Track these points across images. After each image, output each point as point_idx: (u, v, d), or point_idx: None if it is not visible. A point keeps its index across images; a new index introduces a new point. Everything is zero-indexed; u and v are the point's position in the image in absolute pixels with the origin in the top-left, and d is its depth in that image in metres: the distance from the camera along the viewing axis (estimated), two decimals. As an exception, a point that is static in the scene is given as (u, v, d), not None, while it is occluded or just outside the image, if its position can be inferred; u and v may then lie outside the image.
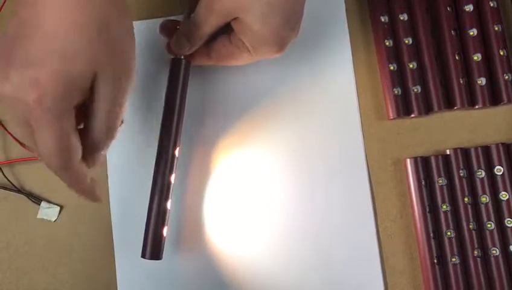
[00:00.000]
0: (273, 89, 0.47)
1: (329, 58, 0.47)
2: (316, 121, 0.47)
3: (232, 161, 0.46)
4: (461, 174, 0.44)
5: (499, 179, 0.44)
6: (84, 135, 0.34)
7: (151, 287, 0.45)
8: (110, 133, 0.34)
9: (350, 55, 0.47)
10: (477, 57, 0.45)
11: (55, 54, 0.30)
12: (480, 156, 0.44)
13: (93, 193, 0.36)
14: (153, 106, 0.46)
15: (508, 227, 0.44)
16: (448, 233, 0.44)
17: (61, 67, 0.30)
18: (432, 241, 0.44)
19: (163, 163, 0.41)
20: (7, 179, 0.47)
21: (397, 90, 0.46)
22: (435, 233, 0.44)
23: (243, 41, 0.39)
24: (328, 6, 0.48)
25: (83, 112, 0.34)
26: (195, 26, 0.39)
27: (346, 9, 0.48)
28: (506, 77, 0.45)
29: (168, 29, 0.43)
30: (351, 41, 0.48)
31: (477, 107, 0.46)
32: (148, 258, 0.41)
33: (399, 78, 0.46)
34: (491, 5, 0.46)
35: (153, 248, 0.41)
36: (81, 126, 0.35)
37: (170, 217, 0.43)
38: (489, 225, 0.44)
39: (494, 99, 0.46)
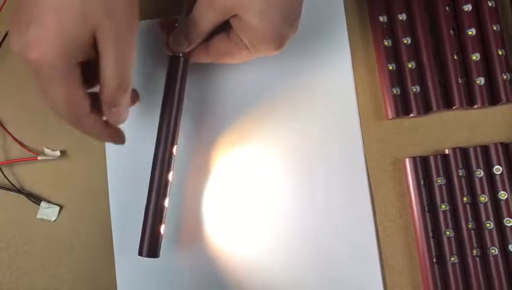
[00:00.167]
0: (271, 89, 0.47)
1: (328, 58, 0.47)
2: (314, 120, 0.47)
3: (231, 160, 0.47)
4: (460, 174, 0.44)
5: (498, 178, 0.44)
6: (100, 91, 0.36)
7: (151, 286, 0.45)
8: (122, 88, 0.35)
9: (349, 55, 0.47)
10: (475, 56, 0.46)
11: (52, 12, 0.31)
12: (479, 156, 0.45)
13: (114, 138, 0.39)
14: (151, 103, 0.46)
15: (507, 226, 0.44)
16: (447, 232, 0.44)
17: (57, 25, 0.31)
18: (431, 241, 0.44)
19: (161, 161, 0.41)
20: (7, 179, 0.47)
21: (396, 90, 0.46)
22: (434, 233, 0.44)
23: (242, 38, 0.39)
24: (327, 6, 0.48)
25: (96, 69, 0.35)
26: (193, 24, 0.39)
27: (345, 9, 0.48)
28: (505, 77, 0.45)
29: (167, 27, 0.43)
30: (349, 41, 0.48)
31: (476, 106, 0.46)
32: (145, 256, 0.41)
33: (398, 77, 0.46)
34: (490, 4, 0.46)
35: (150, 246, 0.41)
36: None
37: (169, 216, 0.43)
38: (488, 225, 0.44)
39: (493, 99, 0.46)
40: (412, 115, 0.46)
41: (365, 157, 0.46)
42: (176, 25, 0.42)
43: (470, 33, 0.46)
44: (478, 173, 0.44)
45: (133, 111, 0.43)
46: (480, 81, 0.45)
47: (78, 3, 0.32)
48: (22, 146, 0.47)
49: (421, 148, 0.46)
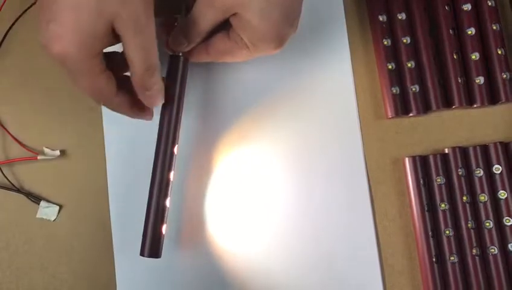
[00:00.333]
0: (271, 88, 0.47)
1: (328, 58, 0.47)
2: (314, 120, 0.47)
3: (231, 159, 0.47)
4: (460, 173, 0.44)
5: (498, 177, 0.44)
6: (131, 77, 0.38)
7: (151, 285, 0.45)
8: (149, 72, 0.37)
9: (348, 55, 0.48)
10: (475, 56, 0.46)
11: (69, 9, 0.33)
12: (479, 155, 0.45)
13: (142, 115, 0.41)
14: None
15: (507, 226, 0.44)
16: (447, 232, 0.44)
17: (75, 22, 0.33)
18: (431, 240, 0.44)
19: (162, 160, 0.41)
20: (7, 178, 0.47)
21: (395, 90, 0.46)
22: (434, 232, 0.44)
23: (242, 37, 0.39)
24: (326, 5, 0.48)
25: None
26: (193, 23, 0.39)
27: (345, 9, 0.48)
28: (504, 76, 0.45)
29: (166, 27, 0.43)
30: (349, 41, 0.48)
31: (475, 106, 0.46)
32: (146, 256, 0.41)
33: (397, 77, 0.46)
34: (489, 4, 0.46)
35: (152, 246, 0.41)
36: None
37: (170, 216, 0.43)
38: (487, 224, 0.44)
39: (492, 98, 0.46)
40: (411, 115, 0.46)
41: (365, 156, 0.46)
42: (176, 24, 0.42)
43: (469, 32, 0.46)
44: (478, 172, 0.44)
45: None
46: (480, 80, 0.45)
47: None
48: (21, 146, 0.47)
49: (420, 147, 0.46)
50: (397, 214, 0.46)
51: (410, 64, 0.46)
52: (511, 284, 0.43)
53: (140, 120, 0.42)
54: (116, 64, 0.38)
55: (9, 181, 0.47)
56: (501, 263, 0.43)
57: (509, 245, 0.43)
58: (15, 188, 0.47)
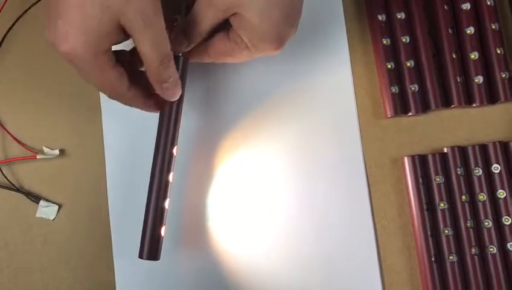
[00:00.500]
0: (270, 88, 0.47)
1: (327, 57, 0.47)
2: (313, 119, 0.47)
3: (231, 160, 0.47)
4: (459, 173, 0.44)
5: (496, 177, 0.44)
6: (146, 72, 0.38)
7: (150, 286, 0.45)
8: (164, 65, 0.37)
9: (348, 54, 0.48)
10: (474, 55, 0.46)
11: (75, 8, 0.34)
12: (478, 154, 0.45)
13: (156, 108, 0.41)
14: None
15: (506, 225, 0.44)
16: (446, 231, 0.44)
17: (81, 20, 0.34)
18: (430, 240, 0.44)
19: (161, 162, 0.41)
20: (6, 178, 0.47)
21: (395, 89, 0.46)
22: (433, 231, 0.44)
23: (242, 37, 0.39)
24: (325, 5, 0.48)
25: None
26: (193, 23, 0.39)
27: (344, 8, 0.48)
28: (503, 75, 0.45)
29: (167, 27, 0.43)
30: (348, 40, 0.48)
31: (474, 105, 0.46)
32: (145, 259, 0.40)
33: (396, 76, 0.46)
34: (488, 3, 0.46)
35: (151, 248, 0.40)
36: None
37: (170, 217, 0.43)
38: (486, 223, 0.44)
39: (491, 97, 0.46)
40: (410, 114, 0.46)
41: (364, 156, 0.46)
42: (176, 24, 0.42)
43: (468, 32, 0.46)
44: (477, 171, 0.44)
45: (133, 111, 0.43)
46: (479, 79, 0.45)
47: None
48: (21, 145, 0.47)
49: (419, 146, 0.46)
50: (396, 213, 0.46)
51: (410, 63, 0.46)
52: (510, 283, 0.43)
53: (140, 120, 0.42)
54: (128, 60, 0.38)
55: (8, 180, 0.47)
56: (500, 262, 0.43)
57: (508, 244, 0.43)
58: (14, 188, 0.47)
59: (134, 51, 0.37)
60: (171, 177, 0.42)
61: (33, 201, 0.47)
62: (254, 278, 0.45)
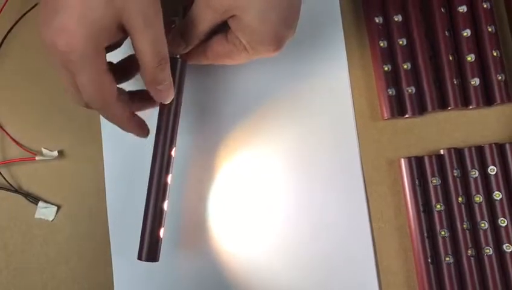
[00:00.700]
0: (267, 90, 0.48)
1: (324, 59, 0.48)
2: (310, 121, 0.47)
3: (229, 162, 0.47)
4: (455, 174, 0.45)
5: (493, 179, 0.44)
6: (141, 74, 0.37)
7: (148, 287, 0.46)
8: (161, 65, 0.36)
9: (345, 56, 0.48)
10: (470, 57, 0.46)
11: (77, 0, 0.33)
12: (474, 156, 0.45)
13: (138, 130, 0.40)
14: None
15: (502, 226, 0.44)
16: (442, 233, 0.44)
17: (82, 12, 0.33)
18: (426, 241, 0.44)
19: (159, 163, 0.41)
20: (5, 179, 0.47)
21: (391, 91, 0.46)
22: (429, 233, 0.44)
23: (240, 39, 0.39)
24: (323, 7, 0.48)
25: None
26: (191, 25, 0.39)
27: (341, 11, 0.48)
28: (500, 78, 0.45)
29: (164, 28, 0.43)
30: (345, 43, 0.48)
31: (470, 107, 0.46)
32: (144, 260, 0.40)
33: (393, 78, 0.46)
34: (485, 6, 0.46)
35: (149, 250, 0.40)
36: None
37: (169, 219, 0.43)
38: (482, 225, 0.44)
39: (488, 99, 0.46)
40: (407, 116, 0.46)
41: (360, 157, 0.46)
42: (174, 26, 0.42)
43: (465, 34, 0.46)
44: (473, 173, 0.45)
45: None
46: (475, 82, 0.46)
47: None
48: (19, 146, 0.47)
49: (416, 148, 0.47)
50: (393, 214, 0.46)
51: (406, 65, 0.46)
52: (506, 285, 0.43)
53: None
54: (117, 71, 0.37)
55: (7, 182, 0.47)
56: (496, 263, 0.43)
57: (504, 246, 0.44)
58: (13, 189, 0.47)
59: (129, 57, 0.37)
60: (169, 178, 0.42)
61: (32, 202, 0.47)
62: (252, 279, 0.45)
